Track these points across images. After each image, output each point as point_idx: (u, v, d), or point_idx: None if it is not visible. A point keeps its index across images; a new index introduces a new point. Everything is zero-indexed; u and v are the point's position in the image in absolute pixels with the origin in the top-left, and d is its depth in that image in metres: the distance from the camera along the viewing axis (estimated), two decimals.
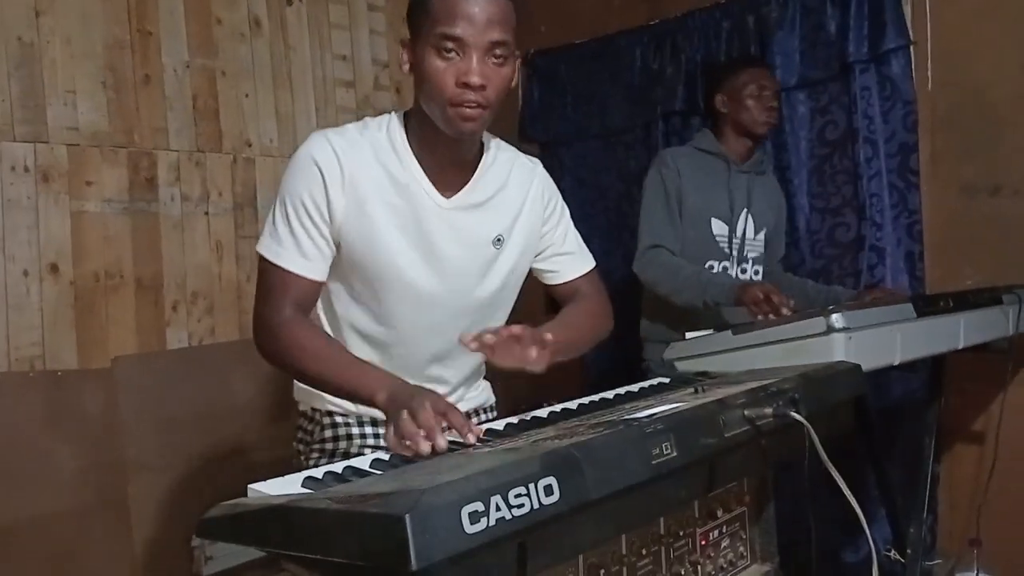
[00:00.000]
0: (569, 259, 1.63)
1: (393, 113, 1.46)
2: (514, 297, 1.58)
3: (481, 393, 1.66)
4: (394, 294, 1.43)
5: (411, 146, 1.41)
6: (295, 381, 1.59)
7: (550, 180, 1.62)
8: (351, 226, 1.38)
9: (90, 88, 2.53)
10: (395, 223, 1.40)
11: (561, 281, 1.64)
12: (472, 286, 1.49)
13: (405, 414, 1.15)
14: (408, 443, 1.12)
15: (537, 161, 1.61)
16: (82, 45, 2.51)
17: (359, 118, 1.48)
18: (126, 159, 2.60)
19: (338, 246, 1.40)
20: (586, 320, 1.59)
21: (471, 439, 1.14)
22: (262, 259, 1.40)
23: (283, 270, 1.37)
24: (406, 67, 1.37)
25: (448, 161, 1.42)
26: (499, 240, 1.49)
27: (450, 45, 1.28)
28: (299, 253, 1.37)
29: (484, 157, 1.48)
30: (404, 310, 1.45)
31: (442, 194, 1.42)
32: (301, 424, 1.60)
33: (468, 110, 1.30)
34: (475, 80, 1.28)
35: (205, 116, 2.79)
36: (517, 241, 1.52)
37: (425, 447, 1.10)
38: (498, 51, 1.31)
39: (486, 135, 1.49)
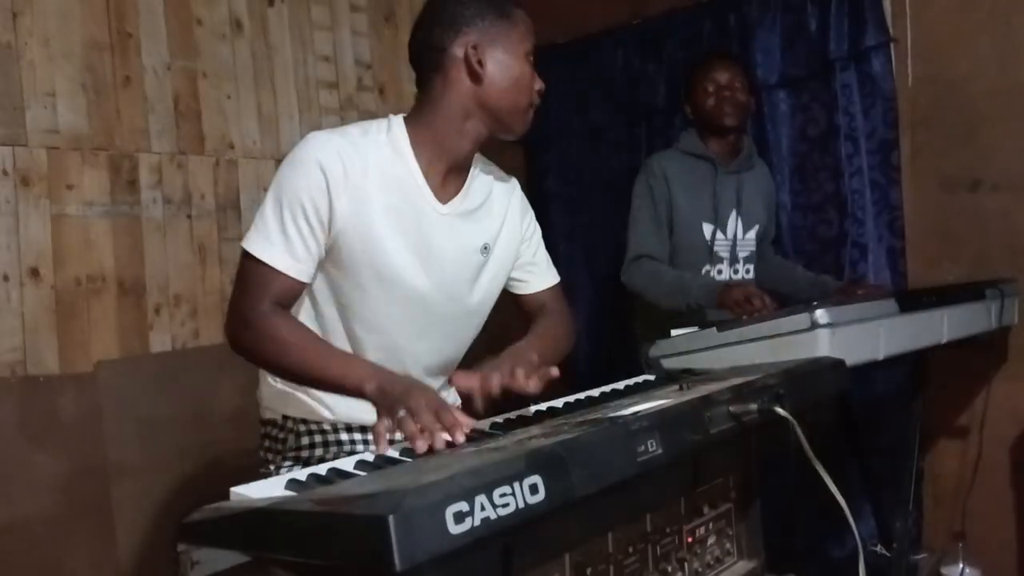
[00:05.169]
0: (539, 271, 1.67)
1: (392, 116, 1.47)
2: (490, 308, 1.61)
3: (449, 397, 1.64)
4: (387, 296, 1.43)
5: (415, 152, 1.43)
6: (260, 389, 1.57)
7: (525, 197, 1.68)
8: (351, 229, 1.38)
9: (69, 90, 2.50)
10: (395, 226, 1.41)
11: (529, 292, 1.66)
12: (462, 291, 1.51)
13: (403, 412, 1.15)
14: (406, 440, 1.13)
15: (514, 179, 1.66)
16: (61, 46, 2.48)
17: (343, 119, 1.49)
18: (107, 162, 2.58)
19: (331, 249, 1.40)
20: (557, 336, 1.60)
21: (460, 439, 1.13)
22: (247, 254, 1.38)
23: (269, 267, 1.36)
24: (478, 67, 1.41)
25: (449, 168, 1.46)
26: (486, 248, 1.53)
27: (532, 58, 1.46)
28: (288, 253, 1.36)
29: (472, 168, 1.52)
30: (395, 313, 1.45)
31: (440, 200, 1.45)
32: (268, 432, 1.57)
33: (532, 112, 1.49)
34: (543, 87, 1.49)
35: (187, 118, 2.77)
36: (500, 252, 1.57)
37: (423, 447, 1.10)
38: None
39: None
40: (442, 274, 1.47)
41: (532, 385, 1.24)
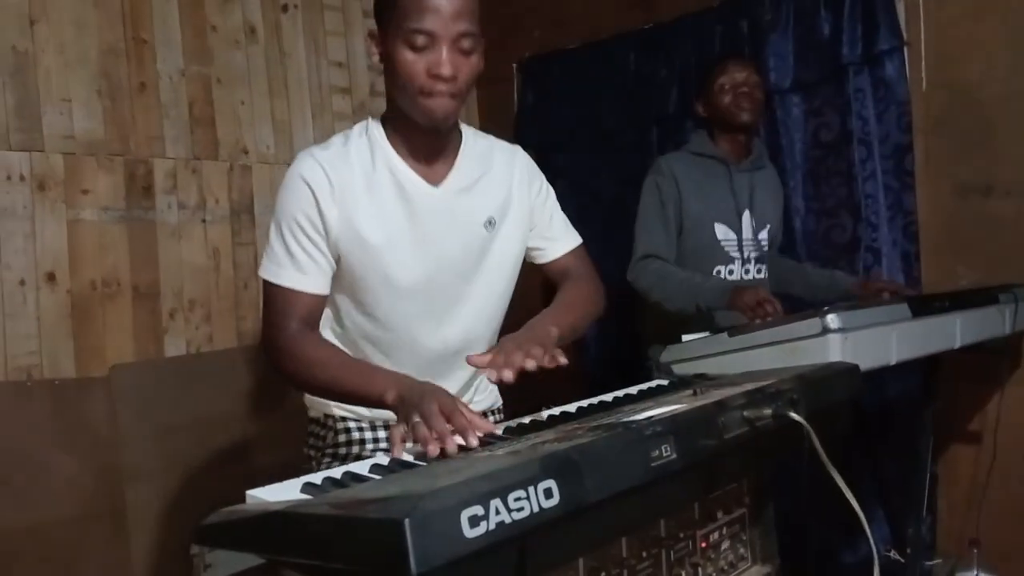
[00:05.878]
0: (556, 237, 1.65)
1: (369, 118, 1.49)
2: (512, 285, 1.60)
3: (488, 395, 1.67)
4: (396, 292, 1.45)
5: (392, 144, 1.45)
6: None
7: (532, 162, 1.63)
8: (347, 234, 1.41)
9: (85, 96, 2.53)
10: (389, 221, 1.43)
11: (549, 259, 1.65)
12: (470, 269, 1.51)
13: (416, 417, 1.16)
14: (418, 445, 1.14)
15: (517, 146, 1.63)
16: (76, 53, 2.51)
17: (355, 124, 1.50)
18: (122, 167, 2.60)
19: (338, 259, 1.43)
20: (583, 301, 1.59)
21: (472, 441, 1.14)
22: (264, 282, 1.43)
23: (284, 288, 1.40)
24: (375, 58, 1.40)
25: (430, 151, 1.45)
26: (491, 222, 1.51)
27: (420, 39, 1.31)
28: (296, 270, 1.40)
29: (463, 144, 1.51)
30: (409, 307, 1.47)
31: (430, 183, 1.46)
32: (312, 430, 1.61)
33: (440, 99, 1.34)
34: (446, 71, 1.32)
35: (201, 123, 2.79)
36: (510, 226, 1.55)
37: (434, 451, 1.11)
38: (465, 42, 1.34)
39: (462, 125, 1.52)
40: (445, 256, 1.47)
41: (547, 361, 1.25)
